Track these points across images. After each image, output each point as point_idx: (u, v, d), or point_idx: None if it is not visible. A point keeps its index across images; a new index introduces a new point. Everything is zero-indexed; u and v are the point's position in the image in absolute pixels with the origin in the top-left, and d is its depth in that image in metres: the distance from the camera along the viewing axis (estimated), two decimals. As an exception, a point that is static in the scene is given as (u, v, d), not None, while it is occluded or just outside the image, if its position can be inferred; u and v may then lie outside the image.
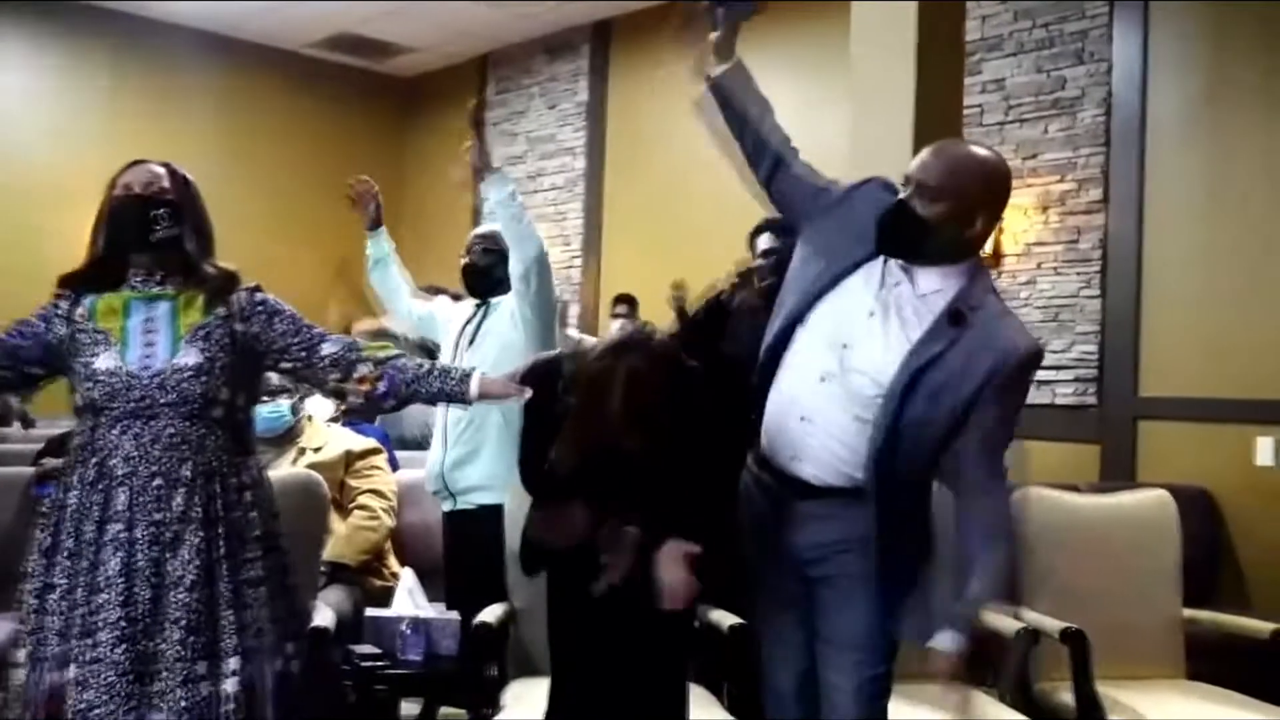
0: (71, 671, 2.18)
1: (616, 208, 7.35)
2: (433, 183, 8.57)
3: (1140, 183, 5.01)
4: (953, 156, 2.28)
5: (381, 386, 2.42)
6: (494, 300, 3.70)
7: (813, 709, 2.43)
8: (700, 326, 3.72)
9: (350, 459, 4.03)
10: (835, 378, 2.28)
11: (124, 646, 2.18)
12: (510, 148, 8.05)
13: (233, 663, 2.26)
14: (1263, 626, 3.26)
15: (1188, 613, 3.46)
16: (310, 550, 3.08)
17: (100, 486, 2.26)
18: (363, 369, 2.41)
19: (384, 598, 3.80)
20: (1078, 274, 5.21)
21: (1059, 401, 5.19)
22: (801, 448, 2.32)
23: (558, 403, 2.30)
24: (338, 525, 3.94)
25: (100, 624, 2.18)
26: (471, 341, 3.67)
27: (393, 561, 4.06)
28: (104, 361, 2.31)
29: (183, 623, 2.22)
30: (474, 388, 2.45)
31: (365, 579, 3.95)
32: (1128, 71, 5.07)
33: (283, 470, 3.36)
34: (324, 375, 2.45)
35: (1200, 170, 4.83)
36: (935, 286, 2.26)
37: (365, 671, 3.15)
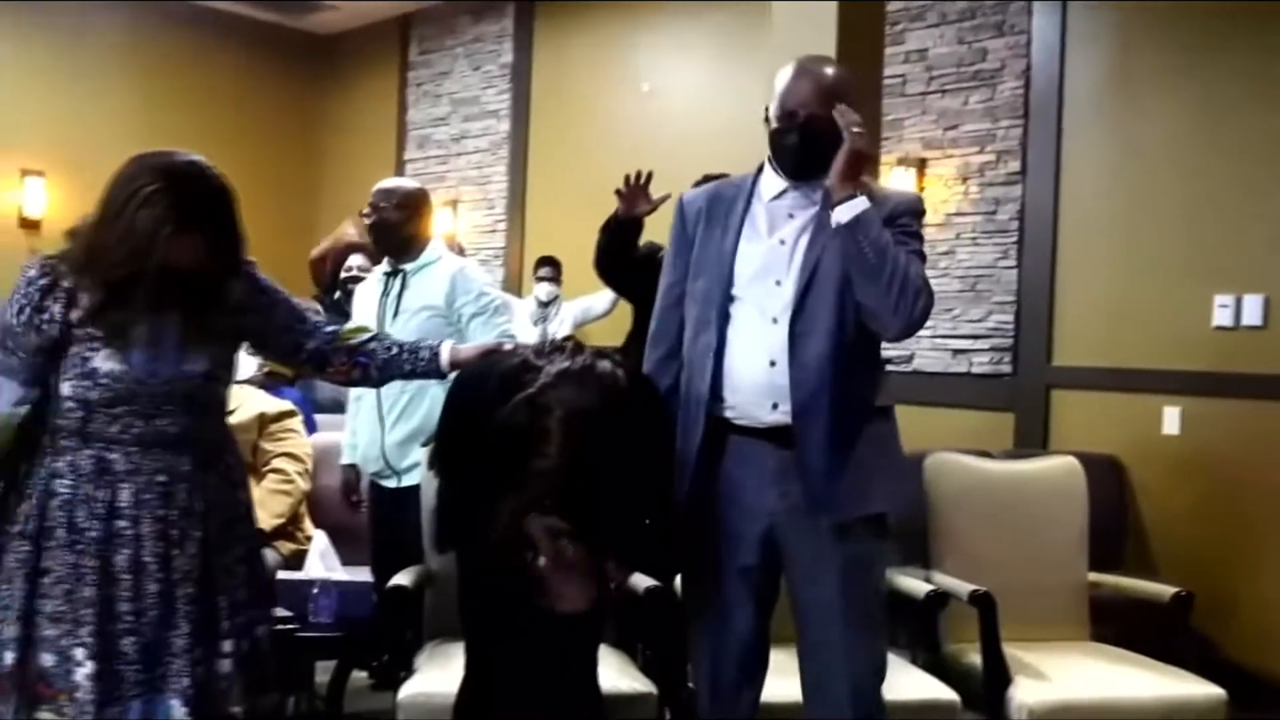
0: (83, 660, 2.13)
1: (540, 171, 7.29)
2: (351, 142, 8.43)
3: (1057, 155, 5.07)
4: (821, 80, 2.48)
5: (355, 374, 2.51)
6: (409, 267, 3.65)
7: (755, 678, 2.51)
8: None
9: (264, 422, 3.96)
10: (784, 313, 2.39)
11: (131, 639, 2.16)
12: (434, 109, 7.95)
13: (227, 644, 2.26)
14: (1164, 590, 3.35)
15: (1093, 577, 3.54)
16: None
17: (104, 481, 2.18)
18: (337, 360, 2.47)
19: (297, 561, 3.76)
20: (995, 244, 5.27)
21: (975, 370, 5.26)
22: (780, 393, 2.37)
23: (485, 408, 2.29)
24: (252, 489, 3.88)
25: (110, 615, 2.15)
26: (395, 315, 3.61)
27: (307, 525, 4.02)
28: (104, 362, 2.16)
29: (192, 615, 2.20)
30: (445, 358, 2.50)
31: (279, 542, 3.90)
32: (1046, 44, 5.12)
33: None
34: (301, 367, 2.57)
35: (1114, 143, 4.91)
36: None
37: (277, 635, 3.11)
